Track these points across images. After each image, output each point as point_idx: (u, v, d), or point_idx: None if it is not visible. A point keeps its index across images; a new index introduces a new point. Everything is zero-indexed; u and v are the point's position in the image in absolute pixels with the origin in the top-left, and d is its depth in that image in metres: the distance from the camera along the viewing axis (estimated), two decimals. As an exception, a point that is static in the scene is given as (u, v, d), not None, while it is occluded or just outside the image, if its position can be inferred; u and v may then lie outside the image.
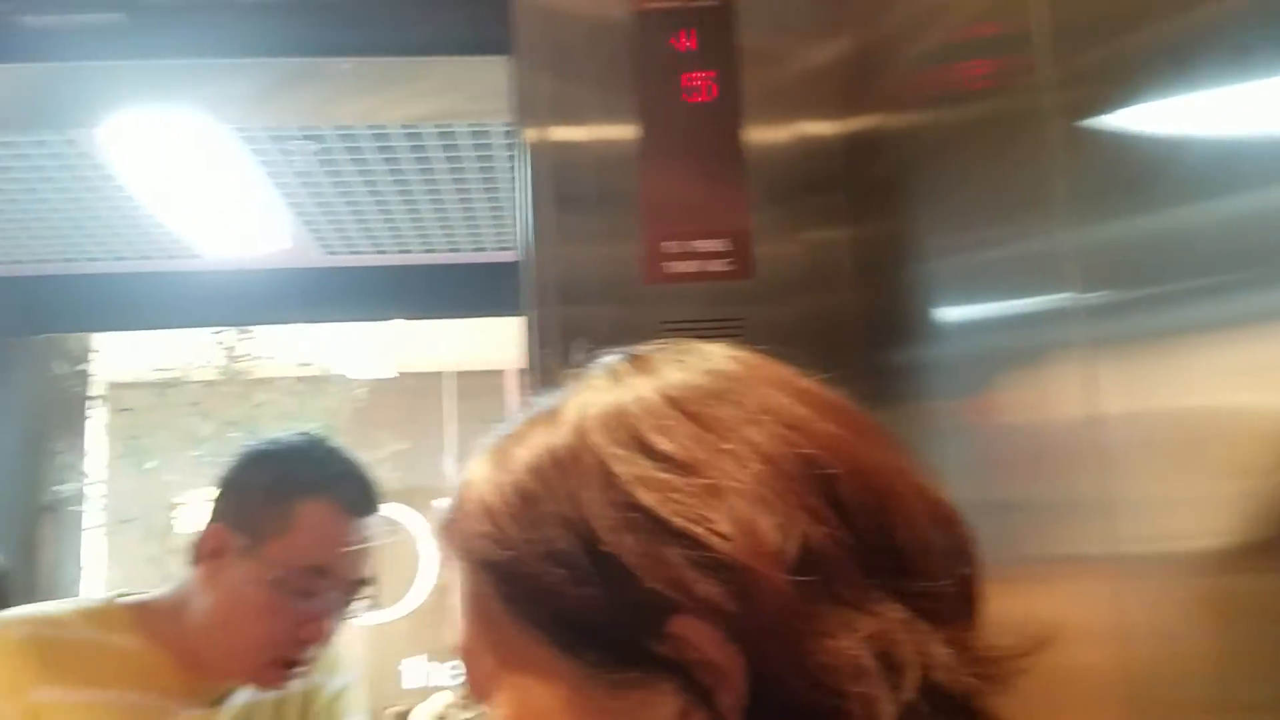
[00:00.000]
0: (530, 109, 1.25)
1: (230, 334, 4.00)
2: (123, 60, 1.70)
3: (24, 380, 3.46)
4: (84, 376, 3.70)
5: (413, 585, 3.92)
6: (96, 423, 3.81)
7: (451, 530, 0.52)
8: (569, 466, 0.47)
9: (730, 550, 0.42)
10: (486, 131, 2.63)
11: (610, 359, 0.55)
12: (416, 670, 4.01)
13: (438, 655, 4.65)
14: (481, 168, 2.86)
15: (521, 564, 0.47)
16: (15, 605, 2.22)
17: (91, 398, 3.77)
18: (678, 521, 0.43)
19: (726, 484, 0.44)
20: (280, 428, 4.12)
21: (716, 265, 1.19)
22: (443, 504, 0.55)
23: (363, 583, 1.22)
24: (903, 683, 0.42)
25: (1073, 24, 0.84)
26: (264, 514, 1.17)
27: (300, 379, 4.23)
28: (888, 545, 0.46)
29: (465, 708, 5.60)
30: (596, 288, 1.22)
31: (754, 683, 0.42)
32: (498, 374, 5.59)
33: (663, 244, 1.19)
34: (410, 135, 2.64)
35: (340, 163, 2.80)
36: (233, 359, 3.98)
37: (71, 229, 3.10)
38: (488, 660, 0.49)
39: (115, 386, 3.81)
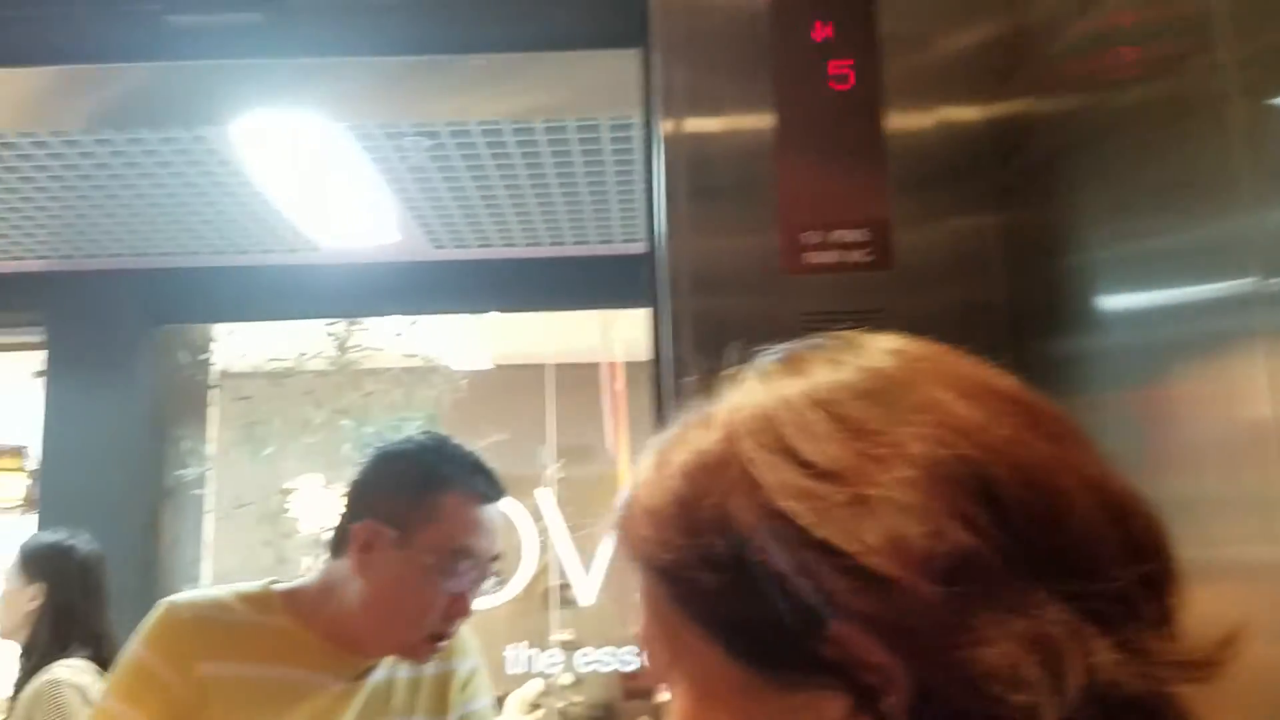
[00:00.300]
0: (666, 100, 1.24)
1: (341, 325, 4.10)
2: (257, 59, 1.75)
3: (148, 369, 3.60)
4: (204, 366, 3.84)
5: (514, 573, 3.97)
6: (215, 411, 3.95)
7: (622, 530, 0.52)
8: (717, 472, 0.47)
9: (877, 563, 0.42)
10: (602, 125, 2.64)
11: (764, 358, 0.53)
12: (519, 657, 4.06)
13: (538, 642, 4.71)
14: (592, 161, 2.87)
15: (683, 568, 0.47)
16: (109, 589, 2.30)
17: (211, 386, 3.90)
18: (822, 532, 0.43)
19: (873, 493, 0.43)
20: (387, 417, 4.22)
21: (856, 255, 1.17)
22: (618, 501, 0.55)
23: (496, 559, 1.35)
24: (1065, 688, 0.40)
25: (1255, 2, 0.81)
26: (412, 507, 1.29)
27: (406, 369, 4.31)
28: (1051, 546, 0.44)
29: (548, 693, 5.66)
30: (732, 279, 1.21)
31: (916, 688, 0.42)
32: (593, 367, 5.63)
33: (801, 234, 1.18)
34: (521, 130, 2.67)
35: (452, 158, 2.84)
36: (343, 349, 4.09)
37: (196, 223, 3.21)
38: (663, 654, 0.50)
39: (233, 376, 3.94)
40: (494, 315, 4.59)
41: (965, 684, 0.41)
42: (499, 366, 5.52)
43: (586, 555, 4.04)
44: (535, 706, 6.39)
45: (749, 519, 0.45)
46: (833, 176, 1.20)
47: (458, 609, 1.29)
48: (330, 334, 4.09)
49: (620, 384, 5.63)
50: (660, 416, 1.32)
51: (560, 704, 5.44)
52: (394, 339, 4.21)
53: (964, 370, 0.49)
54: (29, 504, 5.32)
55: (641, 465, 0.53)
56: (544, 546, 4.03)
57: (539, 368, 5.74)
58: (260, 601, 1.31)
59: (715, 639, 0.46)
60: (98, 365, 3.56)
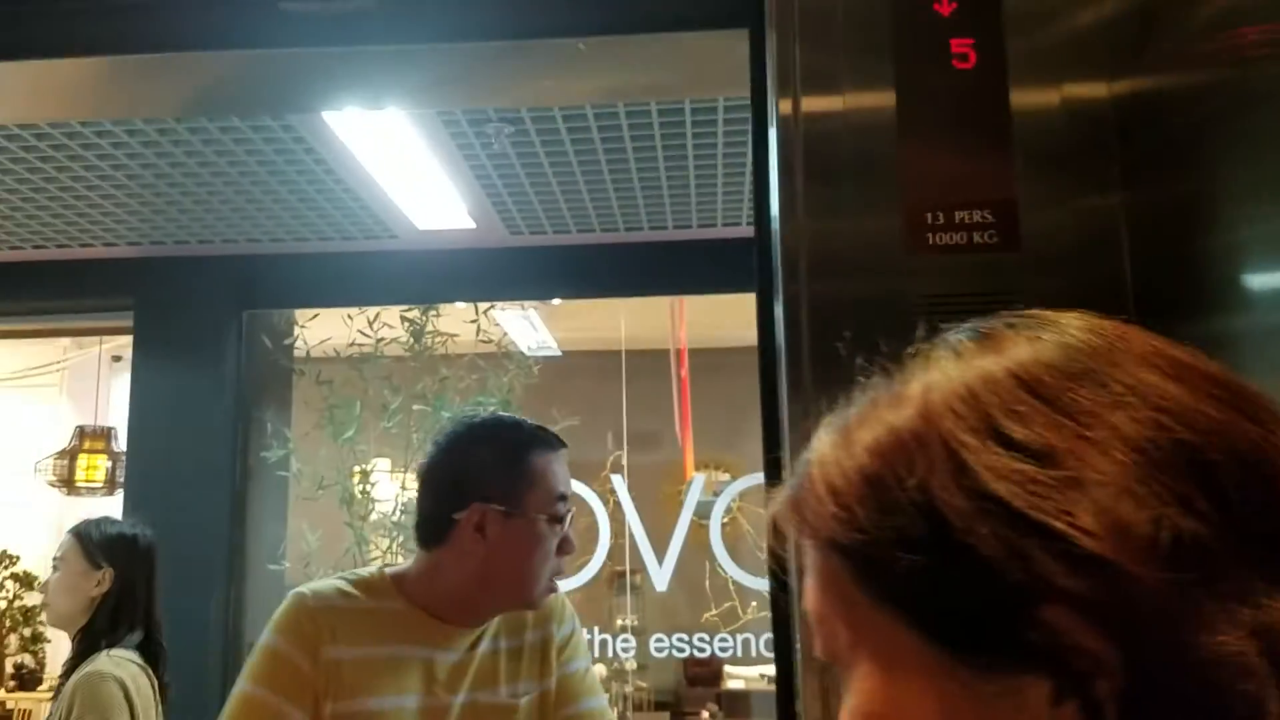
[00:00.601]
0: (781, 80, 1.23)
1: (417, 312, 4.15)
2: (362, 46, 1.77)
3: (233, 353, 3.68)
4: (288, 350, 3.91)
5: (590, 558, 4.00)
6: (298, 394, 4.02)
7: (798, 507, 0.51)
8: (915, 452, 0.46)
9: (1096, 546, 0.41)
10: (686, 109, 2.64)
11: (954, 335, 0.51)
12: (592, 639, 4.09)
13: (608, 627, 4.74)
14: (673, 145, 2.87)
15: (874, 548, 0.46)
16: (160, 573, 2.36)
17: (293, 370, 3.98)
18: (1036, 515, 0.42)
19: (1089, 475, 0.42)
20: (461, 402, 4.26)
21: (981, 236, 1.15)
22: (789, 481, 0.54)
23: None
24: None
25: None
26: (513, 481, 1.42)
27: (480, 355, 4.35)
28: (1267, 531, 0.42)
29: (613, 678, 5.69)
30: (850, 262, 1.20)
31: (1130, 674, 0.41)
32: (661, 353, 5.63)
33: (924, 215, 1.16)
34: (604, 114, 2.67)
35: (534, 144, 2.85)
36: (418, 336, 4.13)
37: (281, 210, 3.27)
38: (843, 634, 0.49)
39: (314, 360, 4.01)
40: (565, 302, 4.61)
41: (1186, 672, 0.40)
42: (568, 353, 5.55)
43: (657, 541, 4.04)
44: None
45: (956, 501, 0.43)
46: (956, 156, 1.18)
47: (566, 548, 1.45)
48: (406, 319, 4.13)
49: (685, 371, 5.63)
50: (770, 403, 1.31)
51: (627, 689, 5.47)
52: (468, 325, 4.25)
53: (1165, 350, 0.47)
54: (110, 485, 5.48)
55: (821, 442, 0.52)
56: (614, 532, 4.04)
57: (609, 354, 5.76)
58: (375, 587, 1.42)
59: (908, 620, 0.45)
60: (184, 349, 3.65)
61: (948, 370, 0.49)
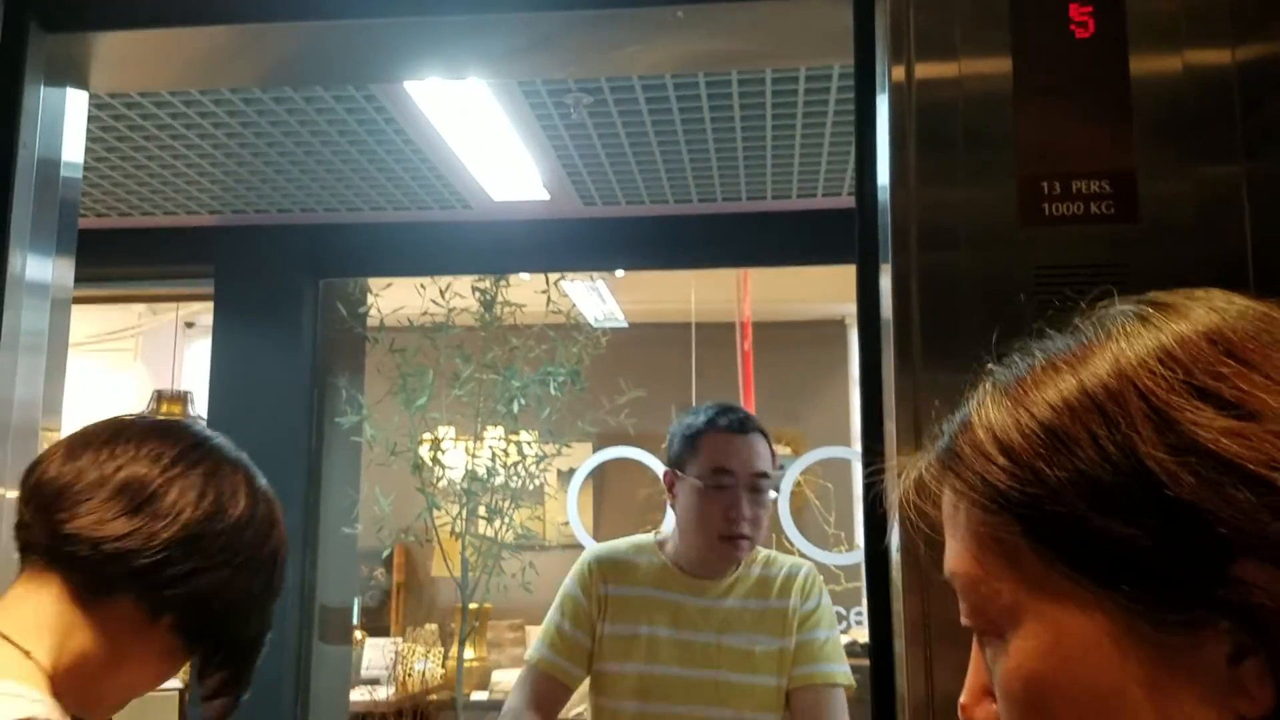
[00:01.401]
0: (894, 46, 1.22)
1: (488, 282, 4.19)
2: (450, 16, 1.78)
3: (310, 320, 3.74)
4: (362, 318, 3.97)
5: (656, 529, 4.02)
6: (371, 362, 4.08)
7: (954, 467, 0.52)
8: (1111, 409, 0.46)
9: None
10: (767, 78, 2.61)
11: (1130, 305, 0.52)
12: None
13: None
14: (752, 115, 2.85)
15: (1055, 502, 0.46)
16: None
17: (368, 338, 4.04)
18: (1252, 466, 0.42)
19: None
20: (530, 372, 4.30)
21: (1098, 207, 1.13)
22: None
23: (758, 476, 1.84)
24: None
25: None
26: (681, 450, 1.87)
27: (549, 326, 4.38)
28: None
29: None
30: (962, 233, 1.19)
31: None
32: (727, 326, 5.62)
33: (1040, 184, 1.14)
34: (683, 84, 2.66)
35: (612, 114, 2.85)
36: (490, 305, 4.17)
37: (359, 180, 3.31)
38: (1005, 592, 0.49)
39: (388, 329, 4.07)
40: (631, 274, 4.62)
41: None
42: (634, 324, 5.56)
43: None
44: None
45: (1162, 456, 0.44)
46: (1073, 124, 1.16)
47: (732, 515, 1.78)
48: (477, 289, 4.17)
49: (749, 344, 5.61)
50: (873, 376, 1.30)
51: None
52: (537, 296, 4.28)
53: None
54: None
55: (982, 403, 0.52)
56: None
57: (675, 326, 5.76)
58: (644, 546, 1.94)
59: (1084, 574, 0.46)
60: (262, 316, 3.72)
61: (1137, 334, 0.49)
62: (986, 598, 0.50)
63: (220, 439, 1.03)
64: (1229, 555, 0.42)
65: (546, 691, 1.88)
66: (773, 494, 1.93)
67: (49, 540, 0.89)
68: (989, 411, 0.51)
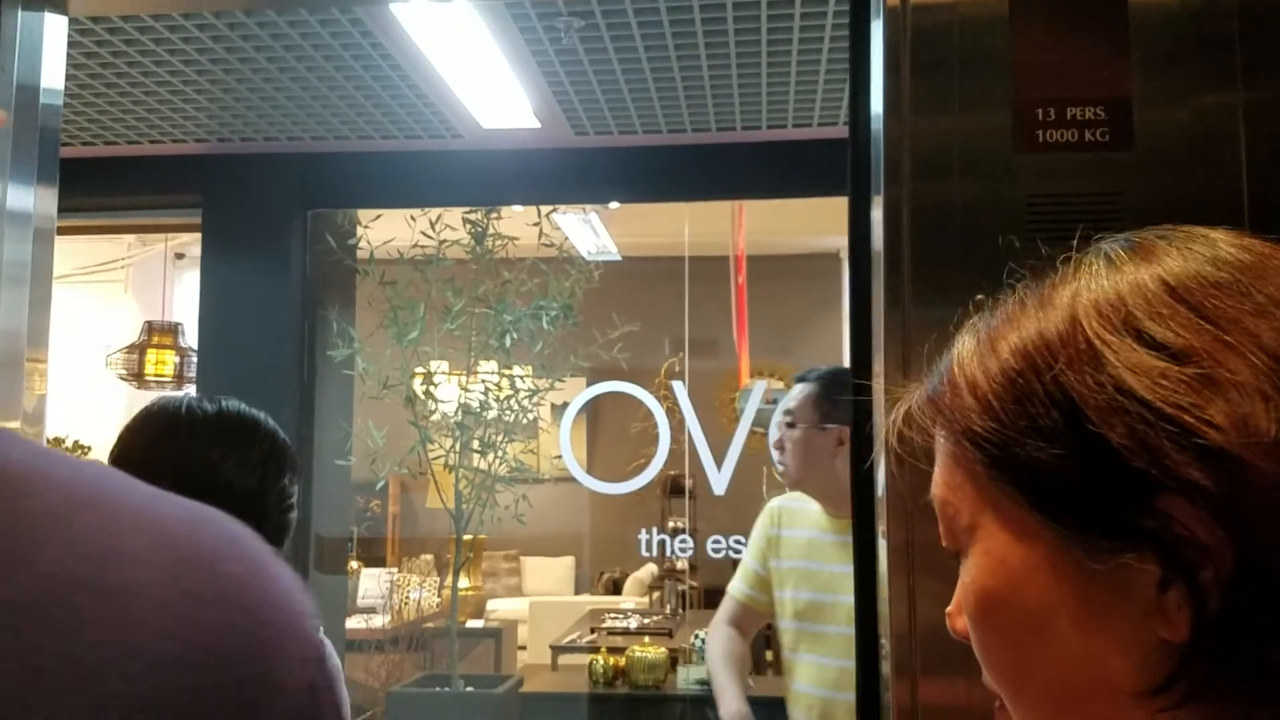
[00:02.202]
0: (888, -32, 1.18)
1: (479, 214, 4.15)
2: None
3: (299, 251, 3.71)
4: (352, 250, 3.94)
5: (650, 462, 4.04)
6: (362, 295, 4.06)
7: (935, 403, 0.55)
8: (1058, 350, 0.49)
9: (1221, 440, 0.43)
10: (759, 2, 2.56)
11: (1108, 244, 0.53)
12: (651, 539, 4.18)
13: (665, 529, 4.82)
14: (747, 42, 2.80)
15: (1007, 438, 0.49)
16: None
17: (358, 271, 4.02)
18: (1167, 408, 0.44)
19: (1223, 375, 0.44)
20: (522, 306, 4.29)
21: (1093, 134, 1.12)
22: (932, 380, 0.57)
23: (787, 414, 2.23)
24: None
25: None
26: (834, 413, 2.18)
27: (541, 259, 4.36)
28: None
29: (668, 576, 5.82)
30: (955, 161, 1.17)
31: (1239, 564, 0.43)
32: (721, 260, 5.60)
33: (1035, 110, 1.12)
34: (677, 9, 2.61)
35: (604, 39, 2.80)
36: (481, 238, 4.14)
37: (347, 107, 3.26)
38: (965, 515, 0.53)
39: (379, 261, 4.04)
40: (625, 206, 4.58)
41: None
42: (627, 258, 5.53)
43: (716, 446, 4.07)
44: (652, 588, 6.60)
45: (1091, 393, 0.46)
46: (1070, 49, 1.13)
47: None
48: (468, 221, 4.13)
49: (743, 277, 5.59)
50: (862, 309, 1.29)
51: (681, 587, 5.59)
52: (529, 229, 4.24)
53: None
54: (179, 380, 5.62)
55: (964, 345, 0.55)
56: (673, 438, 4.08)
57: (669, 259, 5.74)
58: (799, 495, 2.26)
59: (1030, 504, 0.49)
60: (251, 246, 3.69)
61: (1099, 276, 0.51)
62: (952, 519, 0.54)
63: None
64: (1153, 491, 0.44)
65: (741, 615, 2.35)
66: None
67: None
68: (965, 352, 0.54)
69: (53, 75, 1.78)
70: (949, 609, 0.56)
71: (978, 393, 0.51)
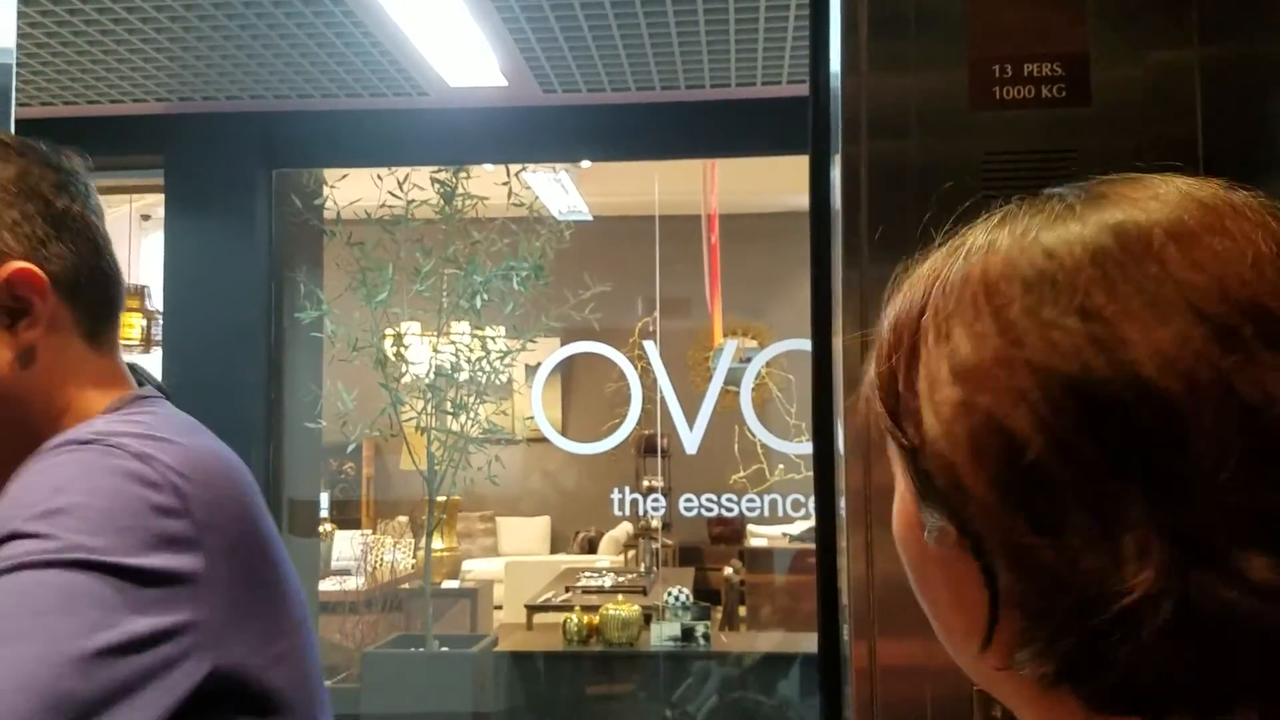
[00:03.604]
0: (846, -77, 1.17)
1: (448, 174, 4.11)
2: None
3: (264, 212, 3.67)
4: (319, 211, 3.90)
5: (623, 421, 4.06)
6: (329, 256, 4.03)
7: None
8: (903, 328, 0.51)
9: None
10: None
11: (1059, 190, 0.51)
12: (624, 499, 4.21)
13: (638, 488, 4.85)
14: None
15: (887, 395, 0.51)
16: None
17: (325, 232, 3.97)
18: (1055, 362, 0.43)
19: (1131, 336, 0.42)
20: (493, 266, 4.26)
21: (1049, 90, 1.12)
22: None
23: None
24: None
25: None
26: None
27: (511, 219, 4.33)
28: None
29: (642, 534, 5.87)
30: (913, 120, 1.17)
31: (1016, 543, 0.45)
32: (695, 219, 5.58)
33: (991, 67, 1.12)
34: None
35: (570, -5, 2.76)
36: (450, 198, 4.10)
37: (309, 65, 3.20)
38: (892, 456, 0.54)
39: (346, 222, 4.00)
40: (596, 165, 4.55)
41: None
42: (599, 218, 5.50)
43: (689, 405, 4.09)
44: (628, 546, 6.65)
45: (978, 351, 0.48)
46: (1026, 6, 1.13)
47: None
48: (436, 181, 4.09)
49: (716, 237, 5.58)
50: (822, 268, 1.30)
51: (655, 545, 5.63)
52: (499, 188, 4.21)
53: (1266, 218, 0.47)
54: (146, 343, 5.56)
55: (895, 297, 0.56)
56: (645, 397, 4.09)
57: (640, 219, 5.71)
58: None
59: (900, 458, 0.52)
60: (215, 208, 3.64)
61: (995, 229, 0.50)
62: (893, 464, 0.55)
63: None
64: (953, 475, 0.45)
65: None
66: None
67: None
68: (884, 322, 0.54)
69: (5, 34, 1.74)
70: None
71: (878, 361, 0.53)
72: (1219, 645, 0.41)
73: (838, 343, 1.24)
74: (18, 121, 1.77)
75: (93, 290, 0.84)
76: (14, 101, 1.79)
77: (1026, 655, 0.44)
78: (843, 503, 1.24)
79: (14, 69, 1.80)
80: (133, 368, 0.91)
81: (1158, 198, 0.47)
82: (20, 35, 2.92)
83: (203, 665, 0.69)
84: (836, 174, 1.24)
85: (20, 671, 0.60)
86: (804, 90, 3.46)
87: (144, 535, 0.69)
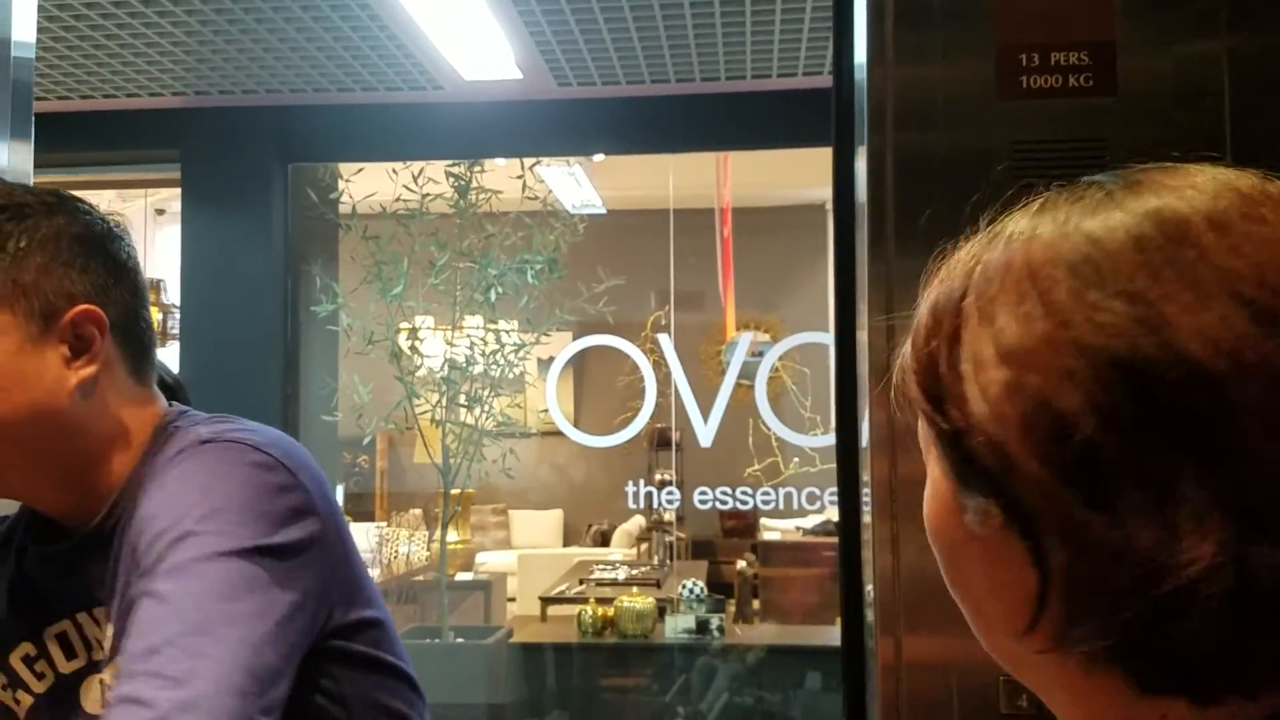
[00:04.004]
0: (872, -88, 1.17)
1: (462, 168, 4.11)
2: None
3: (280, 206, 3.68)
4: (334, 205, 3.91)
5: (636, 415, 4.06)
6: (345, 250, 4.04)
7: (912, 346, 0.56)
8: (943, 318, 0.51)
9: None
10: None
11: (1097, 178, 0.52)
12: (639, 491, 4.21)
13: (652, 481, 4.85)
14: (728, -9, 2.76)
15: (927, 389, 0.51)
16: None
17: (341, 225, 3.98)
18: (1103, 342, 0.44)
19: (1176, 318, 0.43)
20: (507, 260, 4.27)
21: (1076, 79, 1.11)
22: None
23: None
24: None
25: None
26: None
27: (525, 213, 4.33)
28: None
29: (656, 528, 5.87)
30: (939, 110, 1.16)
31: (1074, 524, 0.45)
32: (707, 212, 5.57)
33: (1019, 56, 1.11)
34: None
35: (586, -12, 2.76)
36: (464, 192, 4.11)
37: (325, 58, 3.21)
38: (922, 443, 0.55)
39: (361, 216, 4.00)
40: (610, 159, 4.54)
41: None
42: (612, 211, 5.50)
43: (702, 398, 4.09)
44: (640, 540, 6.66)
45: (949, 369, 0.50)
46: (1054, -5, 1.12)
47: None
48: (451, 174, 4.10)
49: (729, 230, 5.57)
50: (847, 262, 1.29)
51: (668, 538, 5.64)
52: (513, 181, 4.21)
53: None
54: (162, 336, 5.59)
55: (930, 295, 0.56)
56: (659, 390, 4.09)
57: (654, 212, 5.71)
58: None
59: (936, 444, 0.52)
60: (231, 202, 3.65)
61: (1032, 215, 0.51)
62: (924, 452, 0.56)
63: None
64: (1002, 455, 0.46)
65: None
66: None
67: None
68: (923, 304, 0.55)
69: (24, 28, 1.74)
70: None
71: (915, 346, 0.53)
72: (1275, 618, 0.42)
73: (862, 336, 1.24)
74: (36, 116, 1.78)
75: (137, 333, 0.95)
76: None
77: (1082, 632, 0.45)
78: (867, 495, 1.24)
79: (33, 64, 1.81)
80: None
81: (1195, 186, 0.48)
82: (37, 30, 2.93)
83: (318, 621, 0.84)
84: (861, 166, 1.24)
85: (232, 652, 0.74)
86: (820, 82, 3.45)
87: (276, 515, 0.84)
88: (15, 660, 0.97)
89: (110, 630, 0.89)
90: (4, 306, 0.87)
